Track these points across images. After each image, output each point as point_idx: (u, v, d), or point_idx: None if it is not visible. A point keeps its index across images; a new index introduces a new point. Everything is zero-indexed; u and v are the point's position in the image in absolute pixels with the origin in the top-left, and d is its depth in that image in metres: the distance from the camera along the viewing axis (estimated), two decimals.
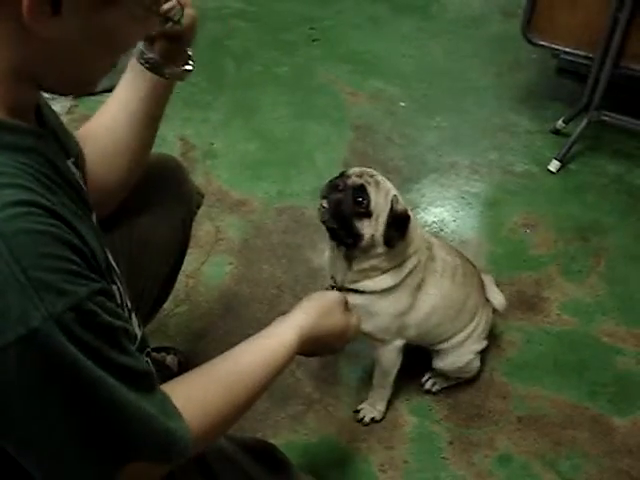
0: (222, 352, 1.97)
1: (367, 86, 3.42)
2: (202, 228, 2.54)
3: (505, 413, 2.09)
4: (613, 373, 2.22)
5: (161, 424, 0.99)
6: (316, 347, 1.41)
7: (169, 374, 2.02)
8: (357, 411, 2.06)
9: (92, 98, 3.17)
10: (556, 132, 3.15)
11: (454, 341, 2.03)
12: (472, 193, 2.84)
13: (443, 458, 1.97)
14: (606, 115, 2.94)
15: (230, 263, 2.47)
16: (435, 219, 2.69)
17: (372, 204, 1.72)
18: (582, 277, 2.51)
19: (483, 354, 2.21)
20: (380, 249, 1.76)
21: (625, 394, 2.16)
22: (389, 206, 1.74)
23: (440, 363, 2.07)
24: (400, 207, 1.76)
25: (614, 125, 3.00)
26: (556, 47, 3.00)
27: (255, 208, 2.69)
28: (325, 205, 1.74)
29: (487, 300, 2.11)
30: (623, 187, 2.90)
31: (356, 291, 1.83)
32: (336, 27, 3.88)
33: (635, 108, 3.00)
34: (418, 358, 2.10)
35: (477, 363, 2.10)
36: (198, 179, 2.77)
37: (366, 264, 1.80)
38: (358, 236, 1.73)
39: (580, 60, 3.02)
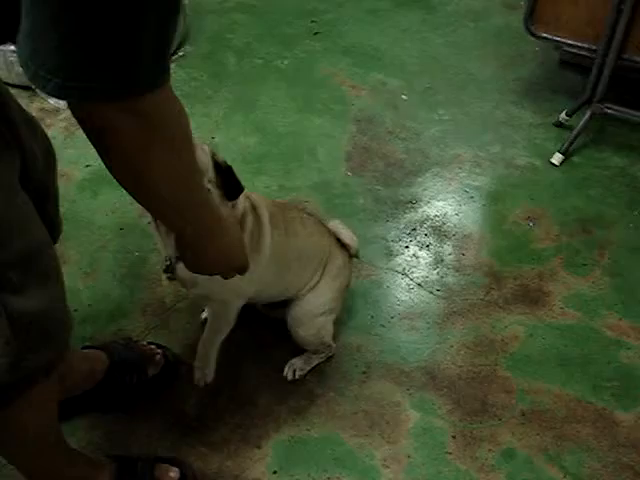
0: (223, 347, 1.98)
1: (369, 79, 3.40)
2: None
3: (508, 407, 2.08)
4: (617, 367, 2.21)
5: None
6: (214, 242, 1.44)
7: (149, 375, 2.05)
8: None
9: None
10: (559, 125, 3.13)
11: (303, 291, 2.02)
12: (475, 186, 2.82)
13: (446, 453, 1.96)
14: (609, 108, 2.93)
15: None
16: (437, 213, 2.68)
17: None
18: (586, 270, 2.50)
19: (485, 348, 2.21)
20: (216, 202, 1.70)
21: (629, 388, 2.15)
22: (211, 160, 1.70)
23: (293, 321, 2.04)
24: (221, 159, 1.73)
25: (617, 118, 2.98)
26: (559, 39, 2.98)
27: None
28: None
29: (340, 245, 2.11)
30: (627, 180, 2.88)
31: None
32: (337, 20, 3.85)
33: (639, 100, 2.98)
34: (411, 354, 2.09)
35: (330, 329, 2.09)
36: None
37: None
38: None
39: (583, 52, 3.00)
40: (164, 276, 1.88)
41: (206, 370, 2.01)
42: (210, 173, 1.68)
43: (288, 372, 2.11)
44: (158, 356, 2.07)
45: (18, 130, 1.29)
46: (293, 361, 2.12)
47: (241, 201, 1.80)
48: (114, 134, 1.06)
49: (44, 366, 1.36)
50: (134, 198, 1.23)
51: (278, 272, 1.94)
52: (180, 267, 1.77)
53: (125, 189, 1.20)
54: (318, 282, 2.04)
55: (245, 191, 1.85)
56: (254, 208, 1.87)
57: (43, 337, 1.30)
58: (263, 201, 1.94)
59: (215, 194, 1.69)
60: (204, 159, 1.67)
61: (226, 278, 1.62)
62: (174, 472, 1.83)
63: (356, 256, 2.18)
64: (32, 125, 1.45)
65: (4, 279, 1.18)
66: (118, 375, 1.99)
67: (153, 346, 2.10)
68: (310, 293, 2.03)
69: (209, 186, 1.67)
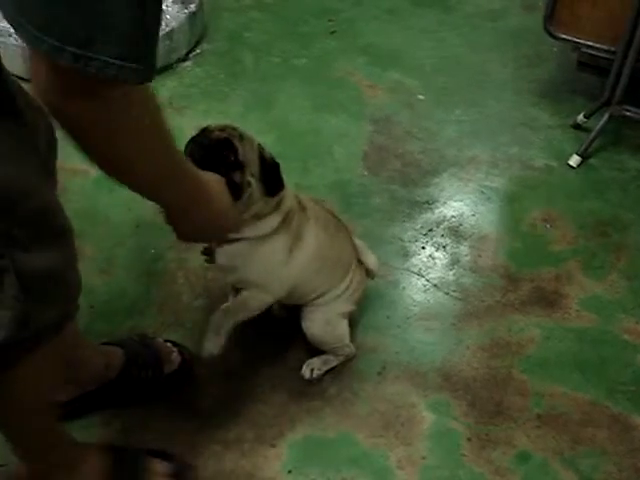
0: (239, 346, 1.99)
1: (386, 79, 3.39)
2: None
3: (524, 410, 2.07)
4: (633, 371, 2.19)
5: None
6: (202, 211, 1.49)
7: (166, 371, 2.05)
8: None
9: None
10: (577, 127, 3.12)
11: (326, 297, 2.03)
12: (492, 187, 2.82)
13: (461, 455, 1.96)
14: (628, 110, 2.91)
15: None
16: (454, 213, 2.67)
17: (240, 155, 1.70)
18: (602, 273, 2.49)
19: (501, 351, 2.21)
20: (257, 196, 1.74)
21: None
22: (257, 155, 1.74)
23: (309, 322, 2.05)
24: (268, 155, 1.78)
25: (636, 120, 2.95)
26: (578, 41, 2.97)
27: None
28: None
29: (360, 262, 2.14)
30: None
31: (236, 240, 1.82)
32: (354, 19, 3.85)
33: None
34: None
35: (344, 331, 2.10)
36: None
37: (247, 214, 1.77)
38: (238, 188, 1.70)
39: (602, 54, 2.99)
40: (203, 258, 1.94)
41: (216, 341, 1.94)
42: (254, 167, 1.72)
43: (306, 371, 2.11)
44: (174, 354, 2.07)
45: (26, 116, 1.30)
46: (311, 361, 2.12)
47: (289, 199, 1.84)
48: (85, 117, 1.07)
49: (52, 324, 1.38)
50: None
51: (317, 270, 1.97)
52: (219, 254, 1.83)
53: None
54: (343, 292, 2.06)
55: (295, 193, 1.92)
56: (303, 208, 1.91)
57: (52, 295, 1.32)
58: (311, 202, 1.99)
59: (255, 188, 1.73)
60: (250, 153, 1.71)
61: (220, 243, 1.68)
62: (165, 465, 1.84)
63: (371, 277, 2.21)
64: (39, 113, 1.46)
65: (14, 237, 1.20)
66: (134, 371, 2.00)
67: (170, 344, 2.10)
68: (333, 301, 2.05)
69: (251, 179, 1.71)
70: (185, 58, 3.43)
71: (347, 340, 2.12)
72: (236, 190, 1.70)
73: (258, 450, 1.94)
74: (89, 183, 2.69)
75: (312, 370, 2.11)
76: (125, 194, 2.58)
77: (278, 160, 1.82)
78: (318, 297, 2.03)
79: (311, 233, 1.91)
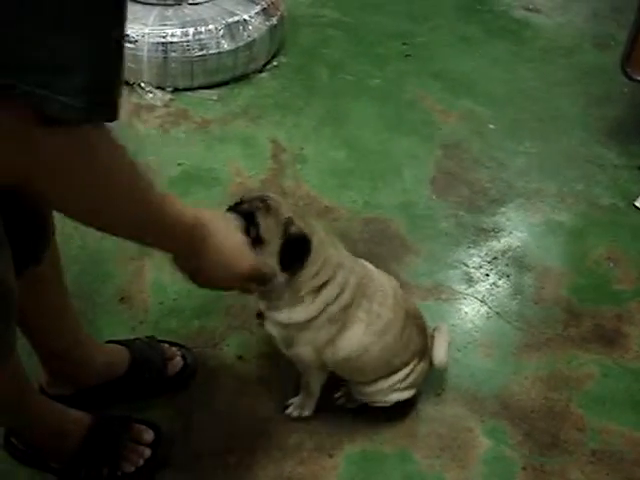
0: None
1: (457, 105, 3.43)
2: None
3: (579, 445, 2.08)
4: None
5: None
6: (204, 255, 1.43)
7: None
8: (286, 407, 2.06)
9: (188, 93, 3.26)
10: None
11: (376, 388, 1.96)
12: (557, 221, 2.84)
13: None
14: None
15: None
16: (519, 244, 2.70)
17: (262, 230, 1.64)
18: None
19: (559, 384, 2.22)
20: (280, 277, 1.67)
21: None
22: (282, 229, 1.64)
23: (357, 395, 2.03)
24: (295, 229, 1.65)
25: None
26: None
27: (342, 216, 2.72)
28: None
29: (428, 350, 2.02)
30: None
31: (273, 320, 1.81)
32: (429, 44, 3.90)
33: None
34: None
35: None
36: (288, 182, 2.83)
37: (271, 293, 1.73)
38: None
39: None
40: (256, 321, 2.02)
41: (304, 409, 2.05)
42: (274, 245, 1.65)
43: (340, 399, 2.09)
44: (177, 357, 2.11)
45: None
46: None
47: (335, 283, 1.73)
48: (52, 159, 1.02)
49: None
50: None
51: (358, 368, 1.91)
52: (267, 323, 1.84)
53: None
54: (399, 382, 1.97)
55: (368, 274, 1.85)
56: (362, 295, 1.80)
57: None
58: (378, 298, 1.84)
59: (275, 267, 1.66)
60: (273, 229, 1.64)
61: (245, 291, 1.71)
62: (149, 434, 1.90)
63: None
64: None
65: None
66: (139, 372, 2.03)
67: (175, 348, 2.14)
68: (380, 394, 1.99)
69: (268, 260, 1.65)
70: (262, 69, 3.50)
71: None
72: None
73: (316, 459, 1.97)
74: (164, 184, 2.75)
75: (347, 402, 2.09)
76: (198, 196, 2.69)
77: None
78: (366, 384, 1.97)
79: (355, 337, 1.81)
